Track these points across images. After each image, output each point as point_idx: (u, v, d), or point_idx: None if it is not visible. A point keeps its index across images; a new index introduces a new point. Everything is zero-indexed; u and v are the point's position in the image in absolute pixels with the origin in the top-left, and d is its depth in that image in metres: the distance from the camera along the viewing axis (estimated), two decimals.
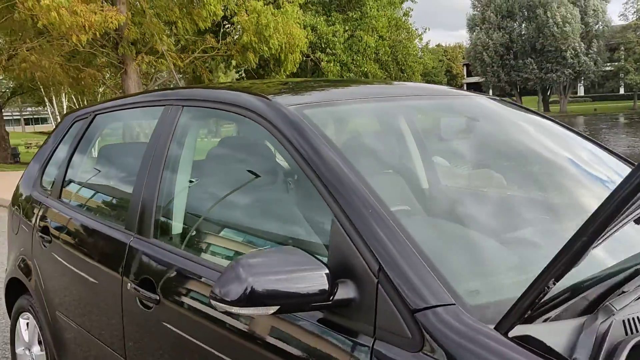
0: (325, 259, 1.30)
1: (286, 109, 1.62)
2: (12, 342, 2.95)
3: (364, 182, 1.38)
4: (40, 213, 2.65)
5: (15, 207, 3.00)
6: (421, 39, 23.39)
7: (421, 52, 27.24)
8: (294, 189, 1.70)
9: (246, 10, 14.21)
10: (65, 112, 32.10)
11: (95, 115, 2.66)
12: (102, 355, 2.14)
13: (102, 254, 2.15)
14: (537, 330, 1.06)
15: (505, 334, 1.05)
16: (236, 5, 14.32)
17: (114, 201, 2.37)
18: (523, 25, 57.46)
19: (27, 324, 2.80)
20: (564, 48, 54.33)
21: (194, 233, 1.90)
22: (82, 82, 18.95)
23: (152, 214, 1.91)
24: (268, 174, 1.85)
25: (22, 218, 2.84)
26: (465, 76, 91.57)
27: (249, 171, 1.89)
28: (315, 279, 1.20)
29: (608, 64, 59.55)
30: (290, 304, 1.21)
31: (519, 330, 1.05)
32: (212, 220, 1.90)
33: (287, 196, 1.75)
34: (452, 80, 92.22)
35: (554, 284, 1.00)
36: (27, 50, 16.32)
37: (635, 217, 1.08)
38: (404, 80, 21.06)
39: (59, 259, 2.42)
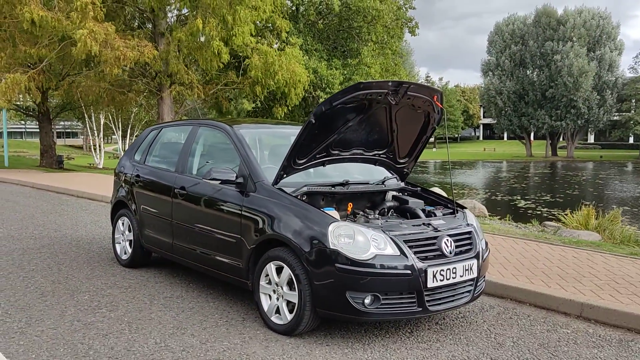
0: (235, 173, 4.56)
1: (234, 128, 4.91)
2: (113, 233, 6.25)
3: (252, 154, 4.64)
4: (135, 169, 5.96)
5: (119, 170, 6.30)
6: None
7: None
8: (235, 159, 4.91)
9: (257, 52, 17.71)
10: (101, 126, 36.19)
11: (162, 128, 6.03)
12: (161, 222, 5.39)
13: (164, 181, 5.42)
14: (281, 185, 4.31)
15: (274, 186, 4.30)
16: (251, 49, 17.81)
17: (169, 162, 5.62)
18: (535, 73, 59.30)
19: (123, 222, 6.08)
20: (575, 98, 55.51)
21: (197, 170, 5.17)
22: (122, 104, 22.68)
23: (185, 166, 5.21)
24: (227, 153, 5.07)
25: (125, 173, 6.14)
26: (481, 117, 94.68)
27: (220, 151, 5.18)
28: (231, 176, 4.48)
29: (616, 114, 61.33)
30: (223, 180, 4.47)
31: (278, 185, 4.29)
32: (204, 167, 5.15)
33: (229, 158, 4.96)
34: (469, 120, 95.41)
35: (283, 174, 4.26)
36: (81, 77, 20.07)
37: (322, 163, 4.38)
38: None
39: (144, 186, 5.72)
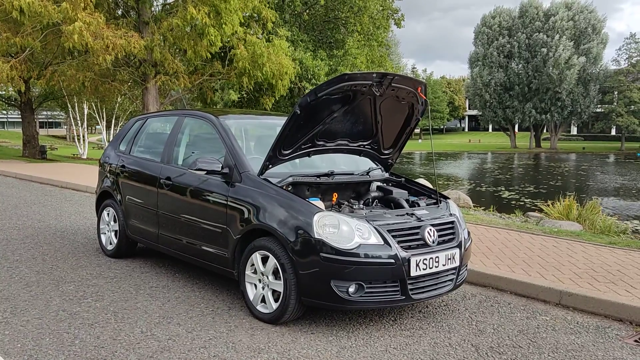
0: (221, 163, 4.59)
1: (219, 119, 4.93)
2: (98, 223, 6.23)
3: (237, 144, 4.66)
4: (120, 160, 5.94)
5: (104, 160, 6.28)
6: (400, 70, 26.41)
7: None
8: (221, 149, 4.94)
9: (245, 42, 17.63)
10: (85, 116, 35.81)
11: (147, 118, 6.01)
12: (146, 213, 5.39)
13: (149, 171, 5.42)
14: (266, 175, 4.34)
15: (259, 176, 4.32)
16: (237, 39, 17.71)
17: (155, 153, 5.62)
18: (520, 65, 59.58)
19: (108, 213, 6.07)
20: (559, 91, 56.09)
21: (182, 161, 5.18)
22: (106, 94, 22.42)
23: (171, 156, 5.21)
24: (212, 143, 5.09)
25: (110, 163, 6.12)
26: (467, 108, 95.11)
27: (205, 142, 5.20)
28: (216, 166, 4.49)
29: (599, 106, 61.96)
30: (209, 170, 4.49)
31: (263, 175, 4.32)
32: (190, 157, 5.17)
33: (215, 149, 4.99)
34: (454, 112, 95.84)
35: (268, 165, 4.28)
36: (64, 66, 19.77)
37: (308, 153, 4.42)
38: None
39: (129, 176, 5.71)
